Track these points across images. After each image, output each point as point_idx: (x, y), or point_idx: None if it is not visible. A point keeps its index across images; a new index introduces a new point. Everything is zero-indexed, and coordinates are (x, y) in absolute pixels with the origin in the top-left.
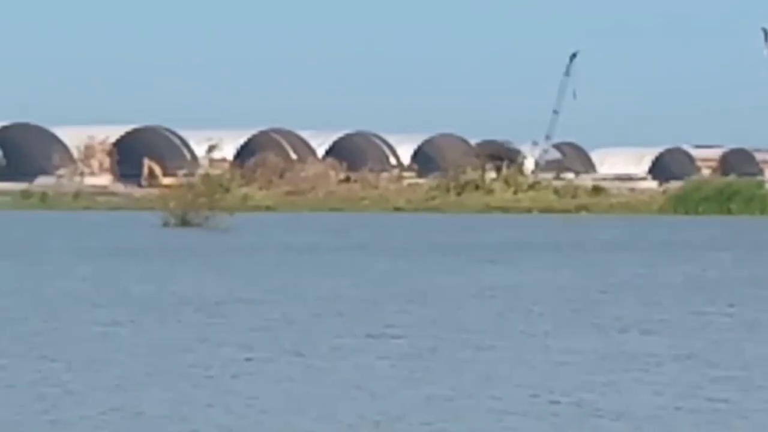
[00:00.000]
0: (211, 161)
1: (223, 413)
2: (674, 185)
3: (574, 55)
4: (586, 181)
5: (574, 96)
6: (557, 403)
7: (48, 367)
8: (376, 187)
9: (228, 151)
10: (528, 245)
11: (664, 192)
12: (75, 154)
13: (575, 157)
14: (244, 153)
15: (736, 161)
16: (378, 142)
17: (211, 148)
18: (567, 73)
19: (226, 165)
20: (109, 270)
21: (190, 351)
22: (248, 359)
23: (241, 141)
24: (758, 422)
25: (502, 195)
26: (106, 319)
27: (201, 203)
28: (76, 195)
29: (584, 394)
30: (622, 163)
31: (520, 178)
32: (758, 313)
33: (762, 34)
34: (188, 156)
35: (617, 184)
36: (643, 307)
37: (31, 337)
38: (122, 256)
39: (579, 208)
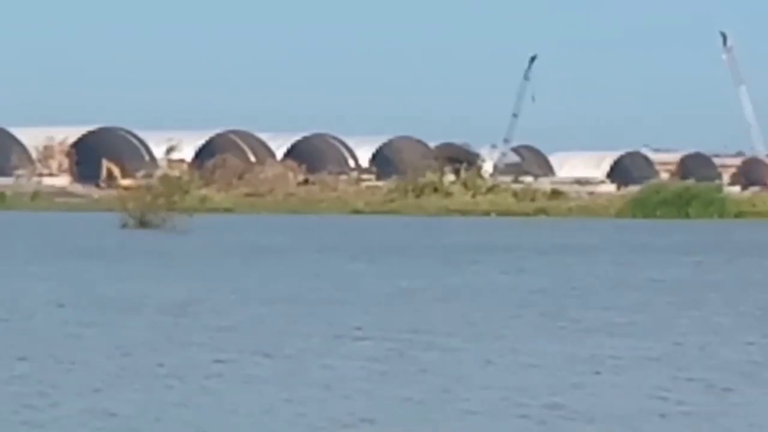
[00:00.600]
0: (170, 162)
1: (195, 414)
2: (633, 189)
3: (533, 59)
4: (545, 184)
5: (533, 99)
6: (527, 405)
7: (18, 366)
8: (334, 190)
9: (187, 152)
10: (489, 248)
11: (623, 196)
12: (34, 154)
13: (534, 161)
14: (203, 154)
15: (694, 165)
16: (337, 144)
17: (169, 150)
18: (526, 77)
19: (185, 166)
20: (69, 271)
21: (159, 352)
22: (217, 360)
23: (200, 142)
24: (726, 425)
25: (461, 198)
26: (71, 320)
27: (159, 204)
28: (35, 195)
29: (555, 397)
30: (581, 166)
31: (479, 181)
32: (722, 316)
33: (721, 39)
34: (147, 157)
35: (576, 187)
36: (609, 311)
37: None
38: (81, 257)
39: (537, 212)
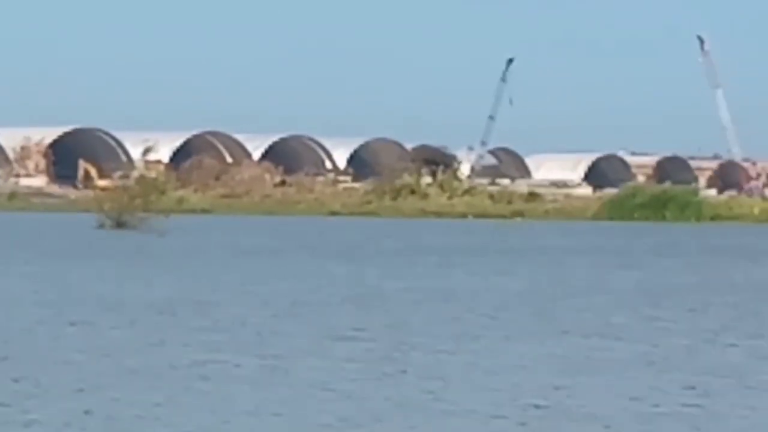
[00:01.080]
0: (147, 163)
1: (177, 414)
2: (609, 192)
3: (510, 61)
4: (522, 186)
5: (510, 102)
6: (508, 406)
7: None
8: (311, 191)
9: (164, 153)
10: (468, 250)
11: (599, 198)
12: (11, 155)
13: (511, 163)
14: (179, 155)
15: (671, 168)
16: (314, 146)
17: (146, 151)
18: (503, 79)
19: (162, 167)
20: (46, 271)
21: (139, 352)
22: (198, 361)
23: (177, 144)
24: (724, 426)
25: (438, 200)
26: (48, 320)
27: (136, 205)
28: (11, 196)
29: (536, 398)
30: (557, 169)
31: (456, 183)
32: (712, 319)
33: (698, 42)
34: (124, 158)
35: (552, 190)
36: (596, 312)
37: None
38: (58, 258)
39: (514, 214)
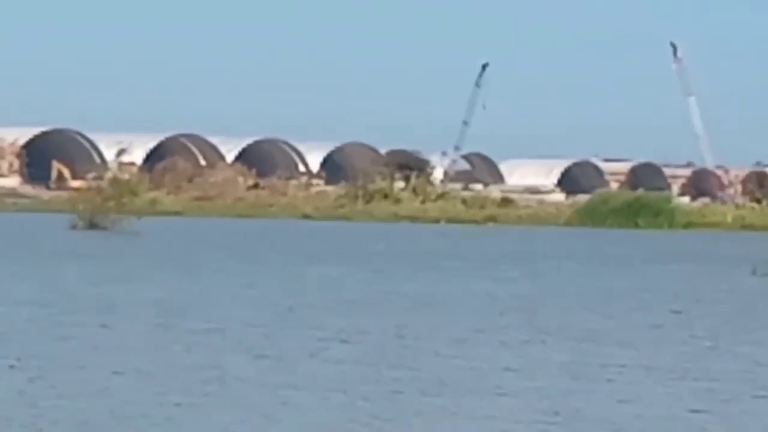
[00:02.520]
0: (120, 165)
1: (159, 414)
2: (582, 198)
3: (485, 66)
4: (495, 192)
5: (484, 107)
6: (539, 411)
7: None
8: (284, 194)
9: (137, 155)
10: (447, 255)
11: (572, 204)
12: None
13: (484, 168)
14: (153, 158)
15: (644, 175)
16: (287, 149)
17: (120, 152)
18: (477, 84)
19: (135, 169)
20: (19, 271)
21: (116, 353)
22: (199, 360)
23: (151, 146)
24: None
25: (410, 204)
26: (22, 318)
27: (109, 206)
28: None
29: (560, 405)
30: (530, 175)
31: (429, 188)
32: (713, 328)
33: (671, 49)
34: (98, 159)
35: (526, 195)
36: (585, 317)
37: None
38: (31, 258)
39: (487, 219)
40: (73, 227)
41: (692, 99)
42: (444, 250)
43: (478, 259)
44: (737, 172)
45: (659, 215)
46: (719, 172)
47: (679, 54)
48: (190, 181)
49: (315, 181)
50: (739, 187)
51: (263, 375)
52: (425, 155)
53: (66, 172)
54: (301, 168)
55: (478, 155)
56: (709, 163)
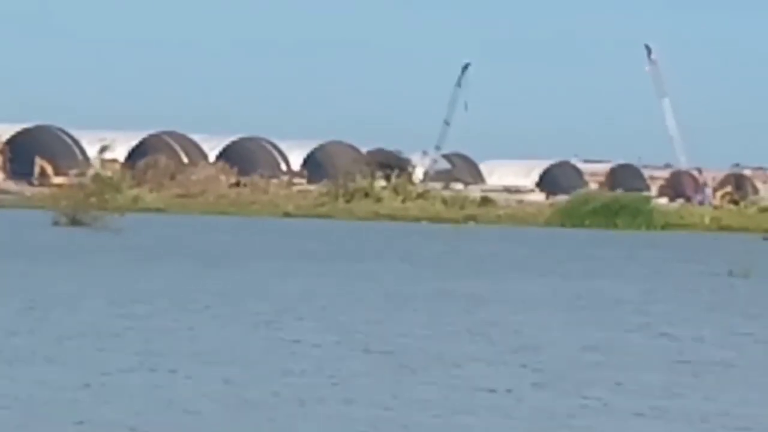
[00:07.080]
0: (103, 162)
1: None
2: (562, 198)
3: (466, 67)
4: (475, 191)
5: (466, 107)
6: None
7: None
8: (266, 192)
9: (120, 152)
10: (430, 254)
11: (551, 205)
12: None
13: (464, 168)
14: (136, 155)
15: (624, 176)
16: (269, 147)
17: (103, 149)
18: (459, 84)
19: (118, 166)
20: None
21: (97, 351)
22: (156, 367)
23: (134, 143)
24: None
25: (391, 203)
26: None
27: (91, 203)
28: None
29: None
30: (510, 175)
31: (409, 187)
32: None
33: (645, 51)
34: (80, 156)
35: (505, 195)
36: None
37: None
38: (12, 255)
39: (467, 219)
40: (55, 224)
41: (666, 100)
42: (432, 249)
43: (476, 259)
44: (714, 173)
45: (637, 216)
46: (694, 173)
47: (653, 56)
48: (172, 178)
49: (297, 179)
50: (720, 187)
51: (214, 377)
52: (406, 154)
53: (49, 169)
54: (283, 166)
55: (459, 155)
56: (684, 165)
